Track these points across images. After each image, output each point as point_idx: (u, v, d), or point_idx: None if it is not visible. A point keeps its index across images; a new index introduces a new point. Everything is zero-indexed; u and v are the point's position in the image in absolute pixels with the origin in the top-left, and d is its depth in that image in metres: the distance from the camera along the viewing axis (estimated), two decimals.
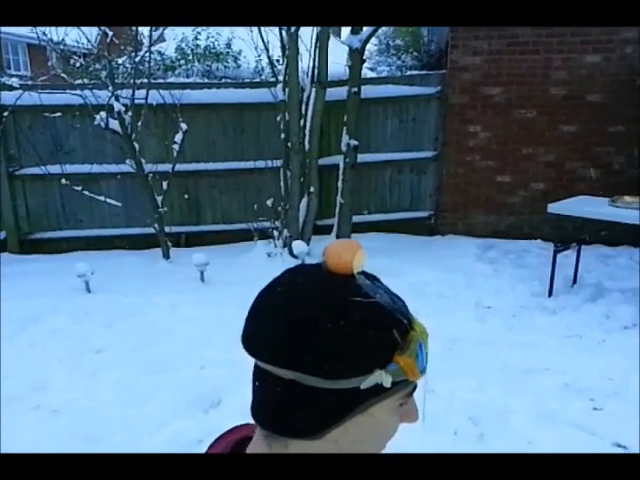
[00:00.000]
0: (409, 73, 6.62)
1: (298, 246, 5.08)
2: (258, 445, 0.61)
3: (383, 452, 0.62)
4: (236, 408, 2.07)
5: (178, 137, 5.21)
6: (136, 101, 5.04)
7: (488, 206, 6.04)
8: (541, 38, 5.51)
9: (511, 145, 5.81)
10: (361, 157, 5.56)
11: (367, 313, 0.55)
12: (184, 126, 5.18)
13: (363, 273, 0.60)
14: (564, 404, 2.72)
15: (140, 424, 2.53)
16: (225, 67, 8.29)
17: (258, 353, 0.57)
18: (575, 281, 4.49)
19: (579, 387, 2.92)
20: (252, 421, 0.78)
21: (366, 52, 5.59)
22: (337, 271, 0.57)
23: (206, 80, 6.68)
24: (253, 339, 0.58)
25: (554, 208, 4.14)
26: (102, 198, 5.27)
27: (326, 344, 0.53)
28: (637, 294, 4.11)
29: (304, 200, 5.38)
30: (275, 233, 5.39)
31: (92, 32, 5.30)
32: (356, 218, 5.73)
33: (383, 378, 0.54)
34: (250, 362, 0.59)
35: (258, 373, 0.58)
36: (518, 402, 2.67)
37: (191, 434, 2.37)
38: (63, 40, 5.20)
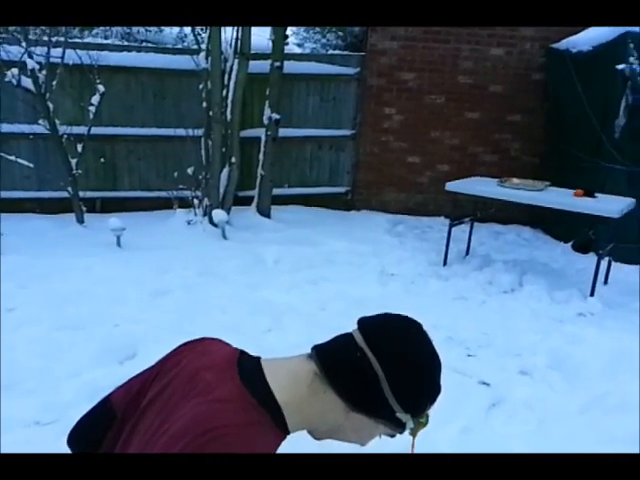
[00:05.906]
0: (331, 52, 6.83)
1: (218, 215, 5.21)
2: (302, 373, 0.82)
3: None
4: (152, 361, 2.24)
5: (95, 99, 5.11)
6: (51, 60, 4.88)
7: (399, 184, 6.47)
8: (453, 28, 5.79)
9: (421, 128, 6.25)
10: (283, 131, 5.75)
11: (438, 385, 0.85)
12: (101, 88, 5.09)
13: None
14: (445, 352, 3.08)
15: (55, 372, 2.63)
16: (147, 31, 8.06)
17: (375, 345, 0.81)
18: (468, 253, 5.04)
19: (459, 339, 3.38)
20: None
21: (294, 28, 5.72)
22: None
23: (126, 43, 6.50)
24: (377, 336, 0.83)
25: (451, 186, 4.60)
26: (13, 158, 5.08)
27: (417, 385, 0.81)
28: (517, 265, 4.70)
29: (225, 170, 5.49)
30: (195, 202, 5.47)
31: None
32: (277, 191, 5.94)
33: (409, 421, 0.81)
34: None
35: (355, 344, 0.82)
36: None
37: (107, 381, 2.48)
38: None
